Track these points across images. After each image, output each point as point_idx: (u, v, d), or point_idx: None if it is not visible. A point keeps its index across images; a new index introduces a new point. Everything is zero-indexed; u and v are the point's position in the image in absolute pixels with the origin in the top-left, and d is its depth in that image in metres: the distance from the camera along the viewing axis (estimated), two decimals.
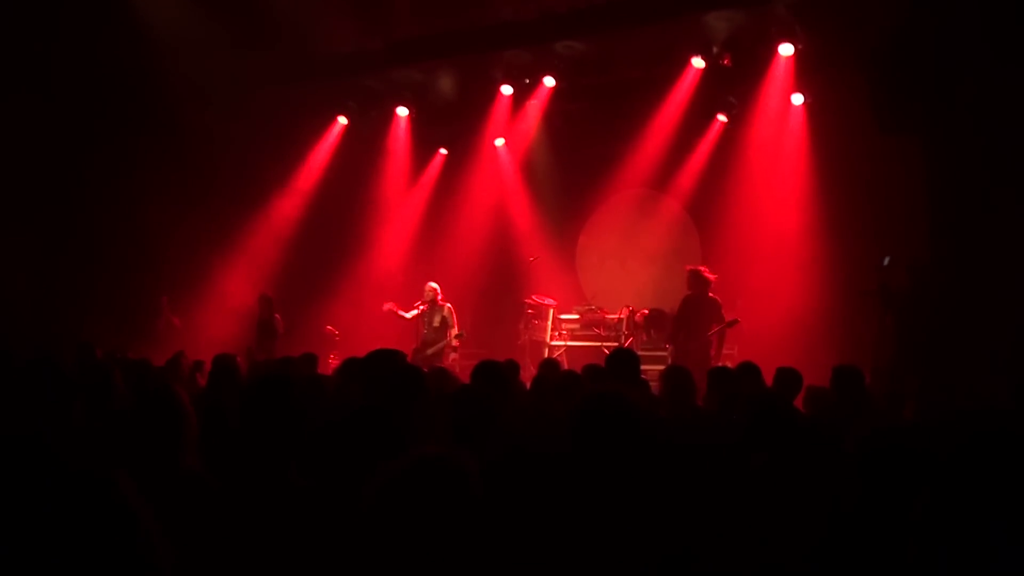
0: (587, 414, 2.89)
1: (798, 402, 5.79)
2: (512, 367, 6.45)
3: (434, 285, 11.91)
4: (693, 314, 9.95)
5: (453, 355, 11.81)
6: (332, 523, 2.49)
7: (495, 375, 4.74)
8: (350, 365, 5.27)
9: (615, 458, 2.78)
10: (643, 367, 10.08)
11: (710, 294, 9.98)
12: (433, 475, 2.02)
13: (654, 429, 3.11)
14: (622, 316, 12.13)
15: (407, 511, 1.95)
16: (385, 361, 4.63)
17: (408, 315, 12.03)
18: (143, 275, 12.29)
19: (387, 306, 12.14)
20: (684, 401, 5.18)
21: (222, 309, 13.02)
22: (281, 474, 3.05)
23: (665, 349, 11.97)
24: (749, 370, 5.95)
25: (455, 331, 11.73)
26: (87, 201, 11.75)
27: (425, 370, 4.72)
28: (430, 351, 11.42)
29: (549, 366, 7.28)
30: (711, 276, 10.08)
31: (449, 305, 11.85)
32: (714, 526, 2.77)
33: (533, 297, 12.93)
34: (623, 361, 5.45)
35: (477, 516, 2.00)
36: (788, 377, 6.09)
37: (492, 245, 14.41)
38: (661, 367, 8.01)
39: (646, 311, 11.99)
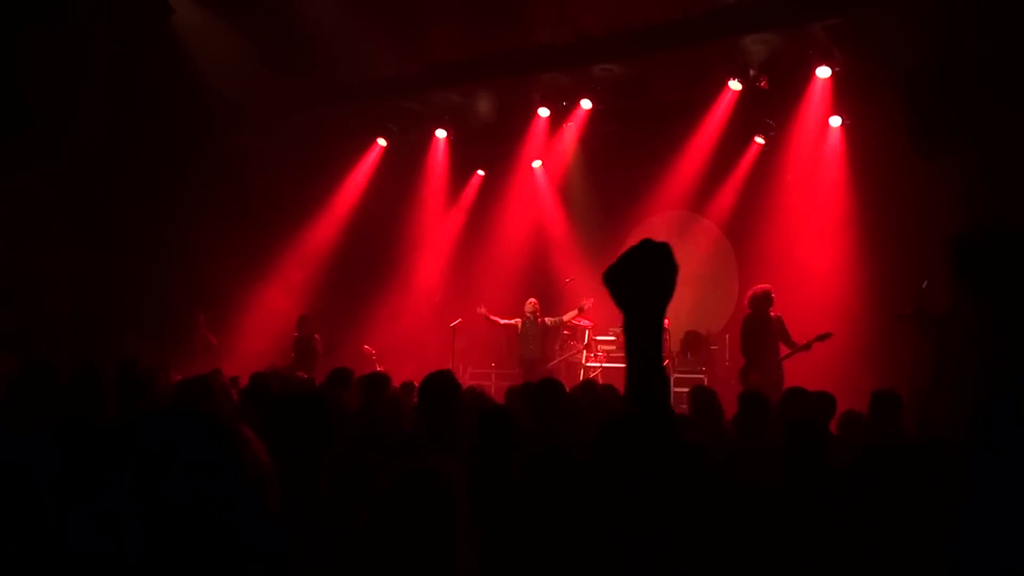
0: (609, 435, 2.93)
1: (832, 426, 5.74)
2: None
3: (534, 301, 12.20)
4: (760, 335, 9.73)
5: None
6: (345, 535, 2.56)
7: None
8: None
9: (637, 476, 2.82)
10: (680, 390, 10.18)
11: (772, 313, 9.79)
12: (411, 487, 2.13)
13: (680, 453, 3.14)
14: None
15: (390, 523, 2.05)
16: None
17: (502, 322, 12.37)
18: (181, 292, 12.48)
19: (481, 310, 12.39)
20: (710, 422, 5.17)
21: (260, 328, 13.18)
22: (310, 486, 3.12)
23: (701, 372, 11.95)
24: (796, 397, 5.79)
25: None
26: (127, 218, 11.93)
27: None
28: (551, 363, 12.05)
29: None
30: (766, 289, 9.90)
31: (548, 319, 12.20)
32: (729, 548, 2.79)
33: None
34: None
35: (457, 523, 2.08)
36: (821, 401, 6.01)
37: (528, 266, 14.46)
38: None
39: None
